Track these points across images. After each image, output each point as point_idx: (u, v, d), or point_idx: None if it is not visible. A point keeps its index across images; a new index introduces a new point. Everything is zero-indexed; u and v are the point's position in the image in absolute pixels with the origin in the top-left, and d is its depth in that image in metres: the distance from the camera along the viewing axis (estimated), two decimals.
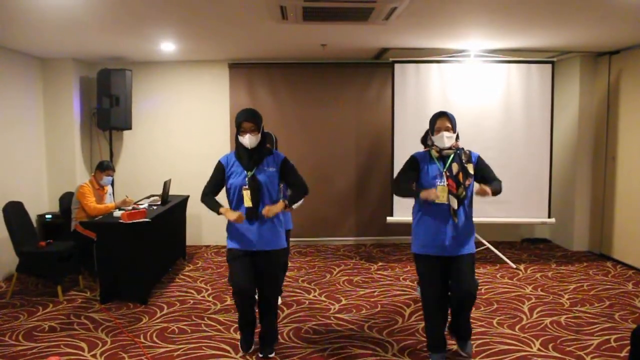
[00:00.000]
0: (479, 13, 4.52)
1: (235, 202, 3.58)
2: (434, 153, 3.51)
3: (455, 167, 3.44)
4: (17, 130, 6.10)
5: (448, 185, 3.41)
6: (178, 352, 3.84)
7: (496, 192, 3.45)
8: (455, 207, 3.42)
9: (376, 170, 7.31)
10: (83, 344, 3.97)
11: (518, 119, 6.26)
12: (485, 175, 3.54)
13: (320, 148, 7.33)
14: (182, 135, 7.28)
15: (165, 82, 7.26)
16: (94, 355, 3.78)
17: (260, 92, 7.27)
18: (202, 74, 7.25)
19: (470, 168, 3.47)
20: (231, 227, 3.63)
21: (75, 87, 6.77)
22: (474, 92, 6.24)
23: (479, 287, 5.37)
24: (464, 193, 3.43)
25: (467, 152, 3.54)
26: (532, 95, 6.24)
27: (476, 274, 5.74)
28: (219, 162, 3.64)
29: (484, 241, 6.47)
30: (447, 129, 3.44)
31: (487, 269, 6.09)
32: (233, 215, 3.48)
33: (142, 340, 4.07)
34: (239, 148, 3.60)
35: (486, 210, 6.21)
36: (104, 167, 5.64)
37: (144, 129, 7.23)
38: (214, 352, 3.84)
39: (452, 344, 3.86)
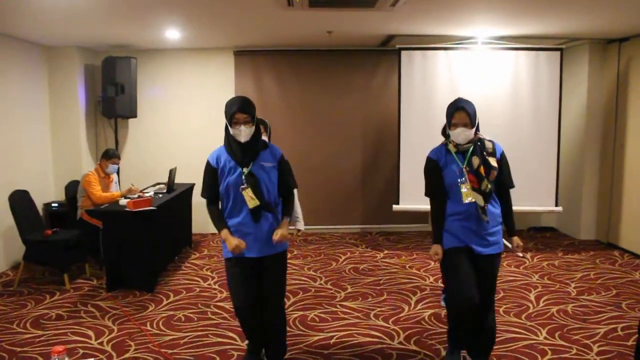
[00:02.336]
0: None
1: (232, 203, 3.13)
2: (452, 147, 3.17)
3: (475, 161, 3.11)
4: (23, 118, 6.10)
5: (470, 181, 3.10)
6: (184, 340, 3.86)
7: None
8: (482, 204, 3.09)
9: (383, 158, 7.28)
10: (90, 332, 4.00)
11: (526, 106, 6.20)
12: (501, 179, 3.19)
13: (327, 135, 7.31)
14: (188, 123, 7.26)
15: (171, 69, 7.23)
16: (100, 343, 3.80)
17: (265, 79, 7.23)
18: (207, 61, 7.21)
19: (493, 161, 3.13)
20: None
21: (80, 75, 6.75)
22: (482, 79, 6.18)
23: None
24: (489, 187, 3.09)
25: (491, 143, 3.21)
26: (540, 83, 6.18)
27: None
28: (208, 163, 3.17)
29: None
30: (465, 125, 3.07)
31: None
32: (232, 244, 3.06)
33: (149, 328, 4.09)
34: (230, 141, 3.12)
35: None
36: (110, 155, 5.65)
37: (149, 117, 7.22)
38: (220, 339, 3.86)
39: None
